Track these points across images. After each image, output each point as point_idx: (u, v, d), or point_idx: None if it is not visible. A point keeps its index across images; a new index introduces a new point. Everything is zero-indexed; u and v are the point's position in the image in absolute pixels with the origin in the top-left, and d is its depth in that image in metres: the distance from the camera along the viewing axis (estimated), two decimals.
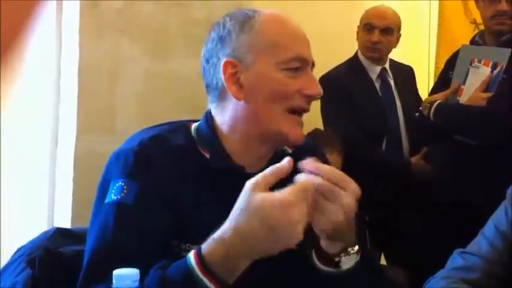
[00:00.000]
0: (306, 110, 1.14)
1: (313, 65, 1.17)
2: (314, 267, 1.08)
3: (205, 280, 0.94)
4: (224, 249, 0.94)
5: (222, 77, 1.13)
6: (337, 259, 1.05)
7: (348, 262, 1.05)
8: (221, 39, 1.14)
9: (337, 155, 2.24)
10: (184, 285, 0.95)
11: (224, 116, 1.15)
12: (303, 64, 1.13)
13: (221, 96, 1.15)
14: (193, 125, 1.18)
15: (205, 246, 0.96)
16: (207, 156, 1.13)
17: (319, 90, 1.14)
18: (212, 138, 1.14)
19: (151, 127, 1.18)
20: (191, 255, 0.96)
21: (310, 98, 1.13)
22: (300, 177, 0.96)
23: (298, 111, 1.13)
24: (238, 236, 0.93)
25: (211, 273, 0.94)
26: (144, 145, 1.10)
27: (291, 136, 1.12)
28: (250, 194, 0.93)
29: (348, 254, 1.05)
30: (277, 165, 0.97)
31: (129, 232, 1.04)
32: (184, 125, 1.18)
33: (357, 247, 1.06)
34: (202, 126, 1.17)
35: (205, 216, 1.08)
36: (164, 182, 1.07)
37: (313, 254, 1.08)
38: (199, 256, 0.95)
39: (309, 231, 1.08)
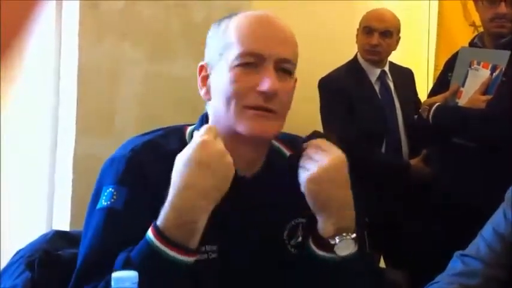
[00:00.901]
0: (263, 108, 1.08)
1: (284, 61, 1.10)
2: (311, 256, 1.09)
3: (165, 248, 0.97)
4: (174, 210, 0.98)
5: (198, 80, 1.16)
6: (332, 242, 1.06)
7: (343, 248, 1.07)
8: (205, 46, 1.17)
9: None
10: (147, 259, 0.98)
11: (210, 119, 1.16)
12: (259, 60, 1.08)
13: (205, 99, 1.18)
14: (189, 129, 1.18)
15: (159, 217, 0.99)
16: None
17: (271, 86, 1.07)
18: None
19: (145, 133, 1.18)
20: (149, 229, 0.99)
21: (265, 95, 1.07)
22: None
23: (255, 109, 1.09)
24: (180, 190, 0.98)
25: (169, 241, 0.97)
26: (137, 151, 1.10)
27: (247, 130, 1.08)
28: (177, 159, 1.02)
29: (342, 237, 1.06)
30: None
31: (119, 237, 1.04)
32: (179, 129, 1.18)
33: (353, 235, 1.07)
34: (197, 129, 1.17)
35: None
36: (157, 187, 1.06)
37: (310, 241, 1.10)
38: (155, 227, 0.99)
39: (306, 220, 1.11)
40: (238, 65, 1.08)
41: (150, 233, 0.99)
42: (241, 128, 1.08)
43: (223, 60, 1.11)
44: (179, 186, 0.99)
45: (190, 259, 0.99)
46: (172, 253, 0.97)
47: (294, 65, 1.13)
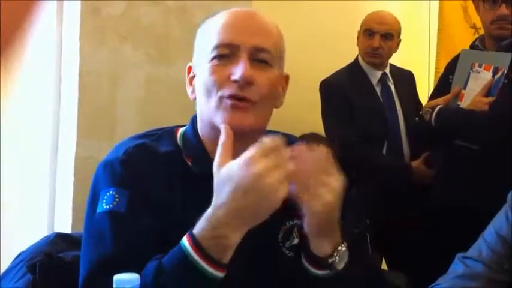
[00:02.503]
0: (239, 97, 1.07)
1: (260, 50, 1.09)
2: (308, 275, 1.07)
3: (198, 259, 0.95)
4: (209, 222, 0.96)
5: (186, 81, 1.19)
6: (331, 260, 1.05)
7: (340, 262, 1.05)
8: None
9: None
10: (179, 268, 0.96)
11: (198, 119, 1.17)
12: (233, 50, 1.08)
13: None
14: (180, 131, 1.18)
15: (195, 227, 0.97)
16: (189, 163, 1.12)
17: (242, 73, 1.05)
18: (196, 143, 1.14)
19: (136, 136, 1.18)
20: (184, 238, 0.97)
21: (238, 83, 1.06)
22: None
23: (231, 98, 1.07)
24: (220, 209, 0.96)
25: (204, 252, 0.95)
26: (130, 153, 1.10)
27: (223, 121, 1.05)
28: (217, 171, 0.98)
29: (339, 252, 1.05)
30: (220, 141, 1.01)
31: (125, 240, 1.04)
32: (170, 132, 1.18)
33: (345, 244, 1.06)
34: (188, 131, 1.17)
35: (193, 223, 1.06)
36: (152, 189, 1.07)
37: (304, 260, 1.07)
38: (191, 236, 0.97)
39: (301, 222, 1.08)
40: (214, 57, 1.09)
41: (185, 242, 0.97)
42: (218, 119, 1.07)
43: (203, 57, 1.12)
44: (217, 200, 0.97)
45: (221, 274, 0.97)
46: (205, 265, 0.95)
47: (273, 55, 1.11)
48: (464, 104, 2.26)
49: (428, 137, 2.36)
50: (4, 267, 1.25)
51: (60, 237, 1.30)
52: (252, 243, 1.07)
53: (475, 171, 2.19)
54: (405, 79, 2.74)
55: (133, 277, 0.91)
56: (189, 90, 1.18)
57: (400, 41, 2.66)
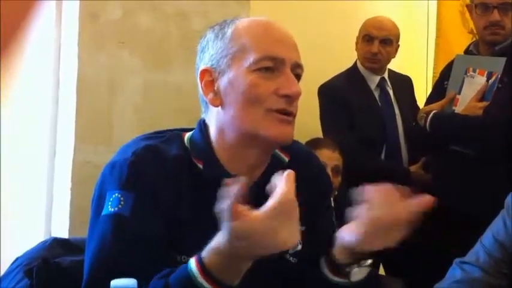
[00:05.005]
0: (288, 111, 1.09)
1: (298, 66, 1.12)
2: (321, 276, 1.07)
3: (208, 286, 0.94)
4: (223, 254, 0.94)
5: (200, 84, 1.14)
6: (347, 269, 1.05)
7: (358, 274, 1.05)
8: (202, 50, 1.16)
9: (333, 152, 2.26)
10: None
11: (211, 125, 1.15)
12: (277, 64, 1.09)
13: (206, 105, 1.15)
14: (187, 135, 1.17)
15: (204, 253, 0.95)
16: (201, 166, 1.12)
17: (295, 89, 1.08)
18: (206, 147, 1.13)
19: (144, 136, 1.17)
20: (192, 262, 0.96)
21: (288, 99, 1.08)
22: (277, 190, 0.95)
23: (278, 112, 1.09)
24: (233, 246, 0.93)
25: (213, 278, 0.94)
26: (138, 155, 1.08)
27: (272, 135, 1.08)
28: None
29: (360, 266, 1.05)
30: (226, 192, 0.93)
31: (128, 244, 1.03)
32: (178, 135, 1.17)
33: (370, 260, 1.06)
34: (196, 136, 1.16)
35: (201, 227, 1.06)
36: (160, 192, 1.06)
37: (323, 262, 1.08)
38: (200, 262, 0.95)
39: (305, 228, 1.08)
40: (257, 69, 1.08)
41: (194, 267, 0.95)
42: (266, 132, 1.08)
43: (236, 64, 1.09)
44: (231, 247, 0.93)
45: None
46: None
47: (303, 70, 1.14)
48: (458, 108, 2.27)
49: (423, 142, 2.37)
50: (1, 272, 1.25)
51: (58, 242, 1.29)
52: None
53: (469, 175, 2.19)
54: (403, 84, 2.74)
55: (130, 282, 0.91)
56: (208, 96, 1.12)
57: (398, 46, 2.66)
